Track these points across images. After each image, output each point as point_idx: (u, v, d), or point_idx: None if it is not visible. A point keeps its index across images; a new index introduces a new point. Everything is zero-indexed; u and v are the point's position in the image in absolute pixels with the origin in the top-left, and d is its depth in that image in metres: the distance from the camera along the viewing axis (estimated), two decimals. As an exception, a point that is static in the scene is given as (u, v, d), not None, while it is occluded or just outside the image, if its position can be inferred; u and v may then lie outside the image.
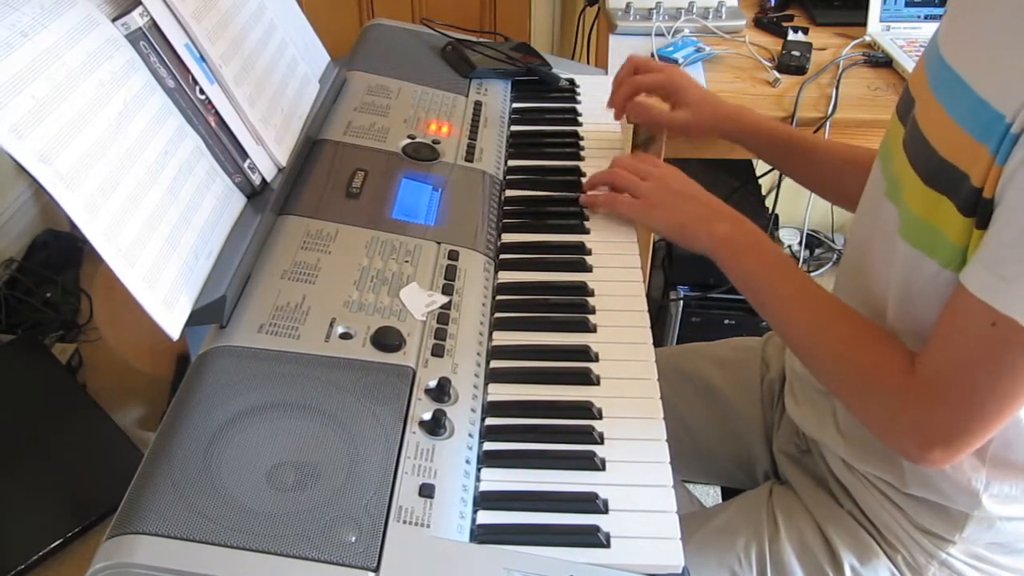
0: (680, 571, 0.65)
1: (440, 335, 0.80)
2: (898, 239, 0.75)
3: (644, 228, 1.01)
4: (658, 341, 0.87)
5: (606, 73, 1.37)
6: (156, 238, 0.74)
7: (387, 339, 0.77)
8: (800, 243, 2.07)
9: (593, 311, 0.87)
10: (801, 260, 2.18)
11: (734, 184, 1.85)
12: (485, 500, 0.69)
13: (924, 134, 0.72)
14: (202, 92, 0.85)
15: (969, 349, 0.66)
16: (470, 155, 1.07)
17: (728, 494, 1.13)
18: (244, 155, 0.89)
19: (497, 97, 1.20)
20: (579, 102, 1.23)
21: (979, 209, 0.65)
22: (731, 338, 1.17)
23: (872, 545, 0.86)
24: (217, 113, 0.87)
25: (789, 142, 1.05)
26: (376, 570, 0.60)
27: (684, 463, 1.07)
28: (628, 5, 1.54)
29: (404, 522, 0.64)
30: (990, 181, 0.64)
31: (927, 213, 0.71)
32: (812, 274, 2.21)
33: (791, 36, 1.53)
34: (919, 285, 0.73)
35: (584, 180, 1.04)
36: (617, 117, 1.13)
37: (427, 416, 0.72)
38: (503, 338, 0.84)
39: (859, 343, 0.76)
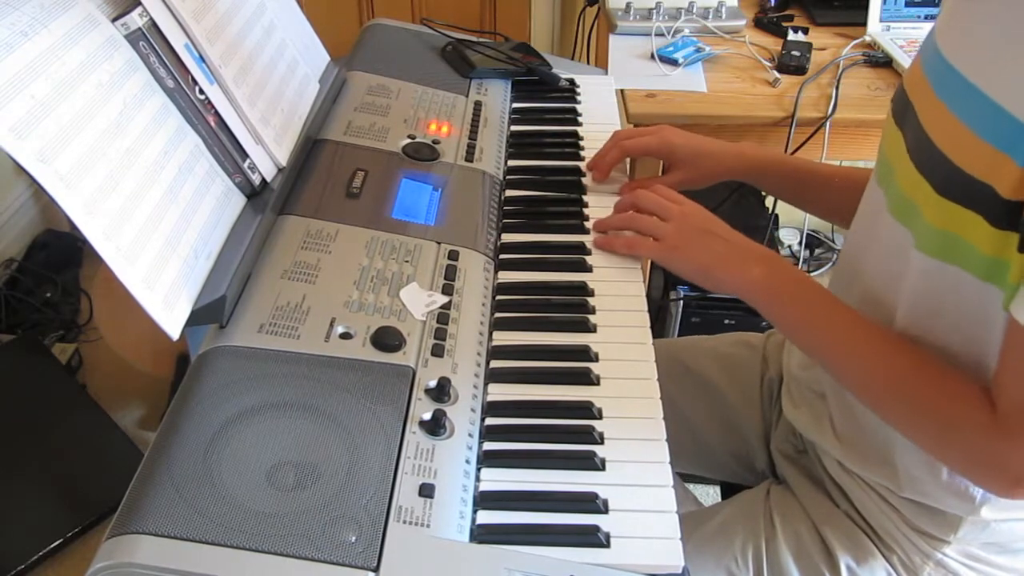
0: (680, 571, 0.65)
1: (440, 335, 0.80)
2: (914, 252, 0.72)
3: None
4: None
5: (606, 73, 1.37)
6: (156, 238, 0.74)
7: (387, 339, 0.77)
8: (800, 243, 2.07)
9: (593, 311, 0.87)
10: (801, 260, 2.19)
11: (733, 185, 1.85)
12: (485, 500, 0.69)
13: (934, 142, 0.70)
14: (202, 92, 0.85)
15: None
16: (470, 155, 1.07)
17: (727, 492, 1.14)
18: (244, 155, 0.89)
19: (497, 97, 1.20)
20: (579, 102, 1.23)
21: (1022, 227, 0.62)
22: (733, 332, 1.15)
23: (868, 545, 0.86)
24: (217, 113, 0.87)
25: (798, 175, 1.01)
26: (376, 570, 0.60)
27: (683, 456, 1.06)
28: (628, 5, 1.54)
29: (404, 522, 0.64)
30: None
31: (945, 223, 0.69)
32: (812, 274, 2.21)
33: (791, 36, 1.53)
34: (942, 295, 0.71)
35: (594, 223, 0.98)
36: (597, 180, 1.06)
37: (427, 416, 0.72)
38: (503, 338, 0.84)
39: (931, 385, 0.72)
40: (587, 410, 0.76)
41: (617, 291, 0.90)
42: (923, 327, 0.74)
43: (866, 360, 0.76)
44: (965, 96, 0.67)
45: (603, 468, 0.72)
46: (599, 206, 1.02)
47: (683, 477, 1.17)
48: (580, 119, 1.19)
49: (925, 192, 0.70)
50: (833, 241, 2.26)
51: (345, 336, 0.78)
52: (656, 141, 1.03)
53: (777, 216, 1.99)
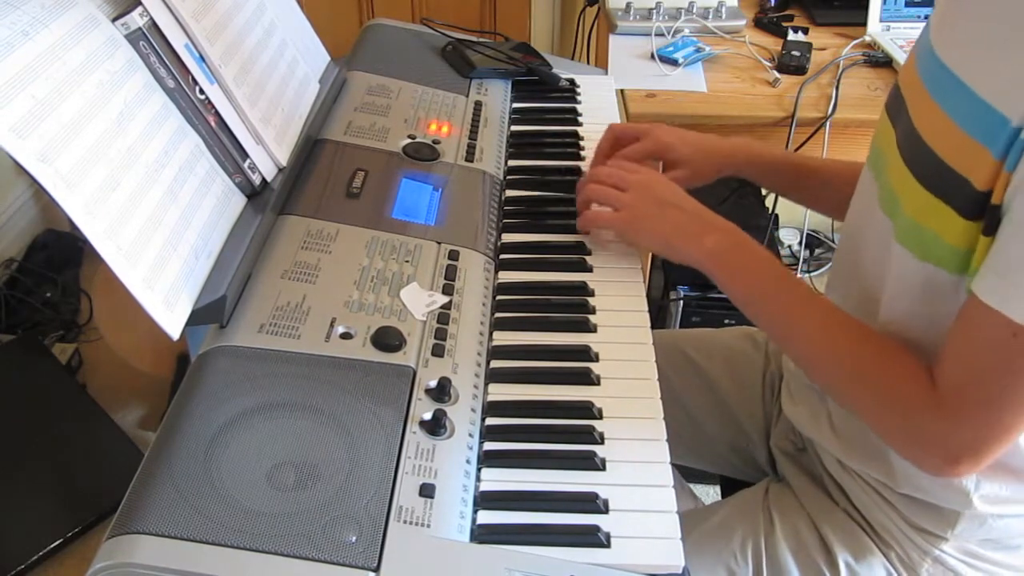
0: (680, 571, 0.65)
1: (440, 335, 0.80)
2: (894, 244, 0.74)
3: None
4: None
5: (606, 73, 1.37)
6: (156, 238, 0.74)
7: (387, 339, 0.77)
8: (800, 243, 2.07)
9: (593, 311, 0.87)
10: (801, 260, 2.19)
11: (733, 184, 1.85)
12: (485, 500, 0.69)
13: (922, 136, 0.71)
14: (202, 92, 0.85)
15: (989, 360, 0.64)
16: (470, 155, 1.07)
17: (727, 489, 1.14)
18: (244, 155, 0.89)
19: (497, 97, 1.20)
20: (579, 102, 1.23)
21: (986, 215, 0.64)
22: (738, 327, 1.15)
23: (867, 542, 0.87)
24: (217, 113, 0.87)
25: (795, 170, 1.02)
26: (376, 570, 0.60)
27: (683, 447, 1.06)
28: (628, 5, 1.54)
29: (404, 522, 0.64)
30: (998, 187, 0.62)
31: (922, 215, 0.70)
32: (812, 274, 2.21)
33: (791, 36, 1.53)
34: (914, 288, 0.73)
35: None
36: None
37: (427, 416, 0.72)
38: (503, 338, 0.84)
39: (873, 359, 0.73)
40: (587, 410, 0.76)
41: (617, 291, 0.90)
42: (902, 318, 0.75)
43: (811, 334, 0.77)
44: (954, 92, 0.68)
45: (603, 468, 0.72)
46: (599, 206, 1.02)
47: (683, 471, 1.17)
48: (580, 119, 1.19)
49: (910, 185, 0.72)
50: (833, 241, 2.26)
51: (345, 336, 0.78)
52: (650, 145, 1.02)
53: (777, 216, 1.99)
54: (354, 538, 0.61)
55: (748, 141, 1.05)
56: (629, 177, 0.91)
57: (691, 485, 1.26)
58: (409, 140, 1.06)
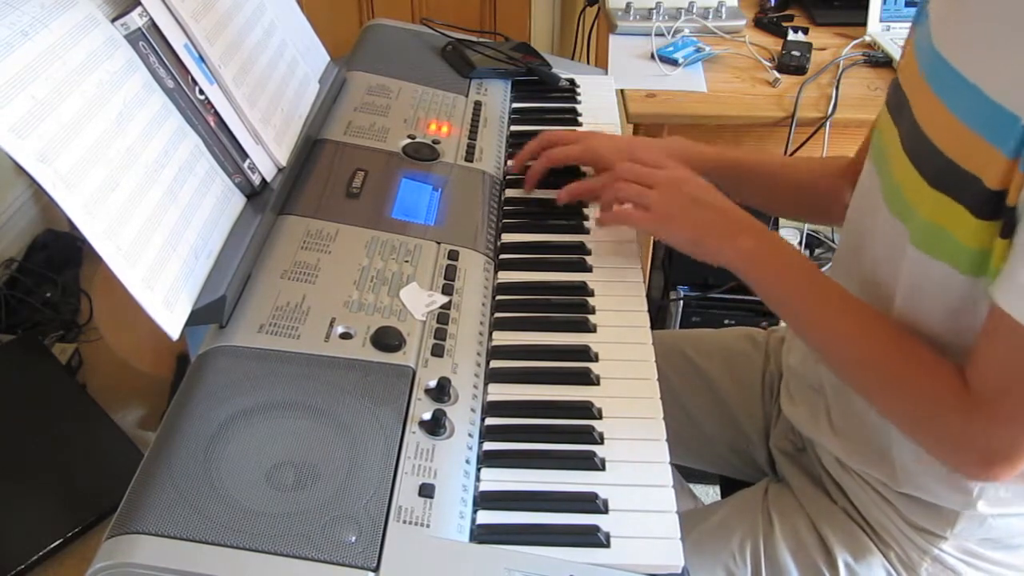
0: (680, 571, 0.65)
1: (440, 335, 0.80)
2: (909, 247, 0.73)
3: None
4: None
5: (606, 73, 1.37)
6: (156, 238, 0.74)
7: (387, 339, 0.77)
8: (800, 243, 2.07)
9: (593, 311, 0.87)
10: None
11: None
12: (485, 500, 0.69)
13: (927, 134, 0.71)
14: (201, 92, 0.85)
15: (1018, 365, 0.64)
16: (470, 155, 1.07)
17: (726, 489, 1.14)
18: (244, 155, 0.89)
19: (497, 97, 1.20)
20: (579, 102, 1.23)
21: (1003, 215, 0.63)
22: (737, 327, 1.15)
23: (866, 542, 0.86)
24: (217, 113, 0.87)
25: (735, 170, 0.99)
26: (376, 570, 0.60)
27: (683, 447, 1.06)
28: (628, 5, 1.54)
29: (404, 522, 0.64)
30: (1013, 187, 0.62)
31: (933, 215, 0.69)
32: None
33: (791, 36, 1.53)
34: (930, 287, 0.72)
35: (573, 185, 0.96)
36: (527, 191, 1.03)
37: (427, 416, 0.72)
38: (503, 338, 0.84)
39: (909, 362, 0.73)
40: (587, 410, 0.76)
41: (617, 291, 0.90)
42: (917, 316, 0.75)
43: (847, 336, 0.77)
44: (959, 90, 0.68)
45: (603, 468, 0.72)
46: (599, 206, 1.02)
47: (682, 471, 1.17)
48: (580, 119, 1.19)
49: (917, 184, 0.71)
50: (833, 241, 2.25)
51: (345, 336, 0.78)
52: (579, 150, 1.00)
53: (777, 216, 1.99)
54: (354, 538, 0.62)
55: (682, 142, 1.01)
56: (657, 174, 0.88)
57: (691, 485, 1.26)
58: (409, 140, 1.06)
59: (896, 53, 1.44)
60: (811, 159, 0.94)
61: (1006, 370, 0.66)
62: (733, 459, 1.09)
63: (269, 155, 0.93)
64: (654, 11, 1.54)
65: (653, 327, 0.86)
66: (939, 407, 0.70)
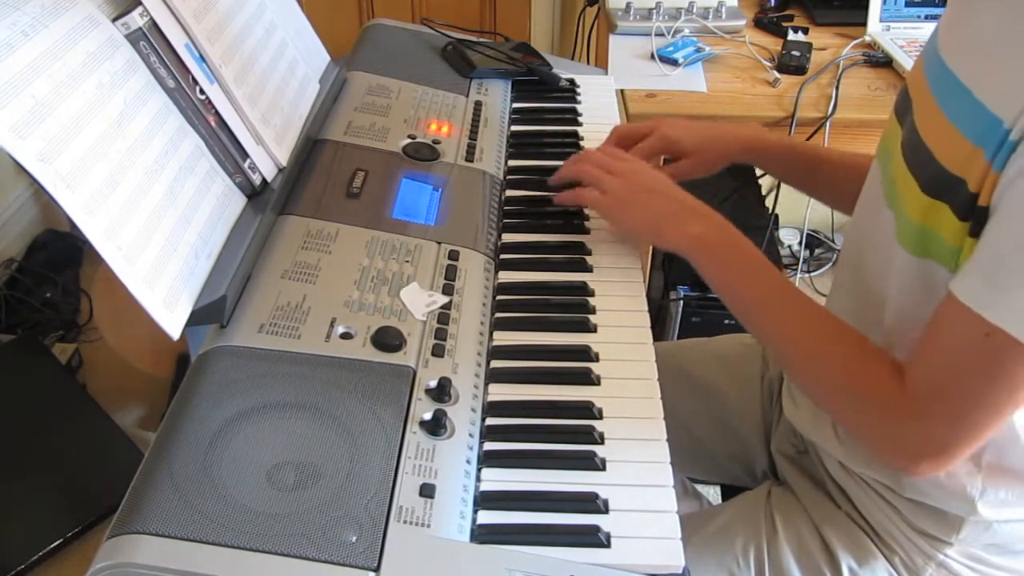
0: (680, 571, 0.65)
1: (440, 335, 0.80)
2: (896, 246, 0.74)
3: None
4: (658, 341, 0.86)
5: (606, 73, 1.37)
6: (156, 238, 0.74)
7: (387, 339, 0.77)
8: (800, 243, 2.07)
9: (593, 311, 0.87)
10: (801, 260, 2.19)
11: (734, 184, 1.85)
12: (485, 500, 0.69)
13: (923, 139, 0.72)
14: (202, 92, 0.85)
15: (960, 360, 0.65)
16: (470, 155, 1.07)
17: (727, 493, 1.14)
18: (244, 155, 0.89)
19: (497, 97, 1.20)
20: (579, 102, 1.23)
21: (974, 215, 0.64)
22: (733, 334, 1.15)
23: (870, 547, 0.86)
24: (217, 113, 0.87)
25: (808, 159, 1.02)
26: (376, 570, 0.60)
27: (683, 460, 1.06)
28: (628, 5, 1.54)
29: (404, 522, 0.64)
30: (986, 188, 0.63)
31: (924, 218, 0.70)
32: (812, 274, 2.21)
33: (791, 36, 1.53)
34: (918, 289, 0.73)
35: (551, 179, 1.00)
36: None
37: (427, 416, 0.72)
38: (503, 338, 0.84)
39: (844, 354, 0.74)
40: (587, 410, 0.76)
41: (617, 291, 0.90)
42: (906, 321, 0.75)
43: (789, 327, 0.78)
44: (955, 96, 0.69)
45: (603, 468, 0.72)
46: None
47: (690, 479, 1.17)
48: (580, 119, 1.19)
49: (911, 189, 0.72)
50: (833, 241, 2.26)
51: (345, 336, 0.78)
52: (656, 141, 1.03)
53: (777, 216, 1.99)
54: (354, 538, 0.61)
55: (758, 128, 1.06)
56: (618, 164, 0.92)
57: (695, 486, 1.26)
58: (409, 140, 1.06)
59: (896, 53, 1.44)
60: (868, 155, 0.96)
61: (942, 364, 0.66)
62: (734, 468, 1.09)
63: (269, 155, 0.93)
64: (654, 11, 1.54)
65: (653, 327, 0.86)
66: (872, 403, 0.71)
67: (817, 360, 0.76)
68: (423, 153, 1.04)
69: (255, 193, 0.90)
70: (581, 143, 1.14)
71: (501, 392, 0.78)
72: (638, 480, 0.71)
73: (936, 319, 0.67)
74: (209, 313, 0.76)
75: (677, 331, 1.78)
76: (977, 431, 0.66)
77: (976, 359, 0.64)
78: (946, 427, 0.67)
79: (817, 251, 2.27)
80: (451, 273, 0.87)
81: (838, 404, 0.76)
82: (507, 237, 0.97)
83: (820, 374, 0.76)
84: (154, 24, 0.81)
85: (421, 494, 0.66)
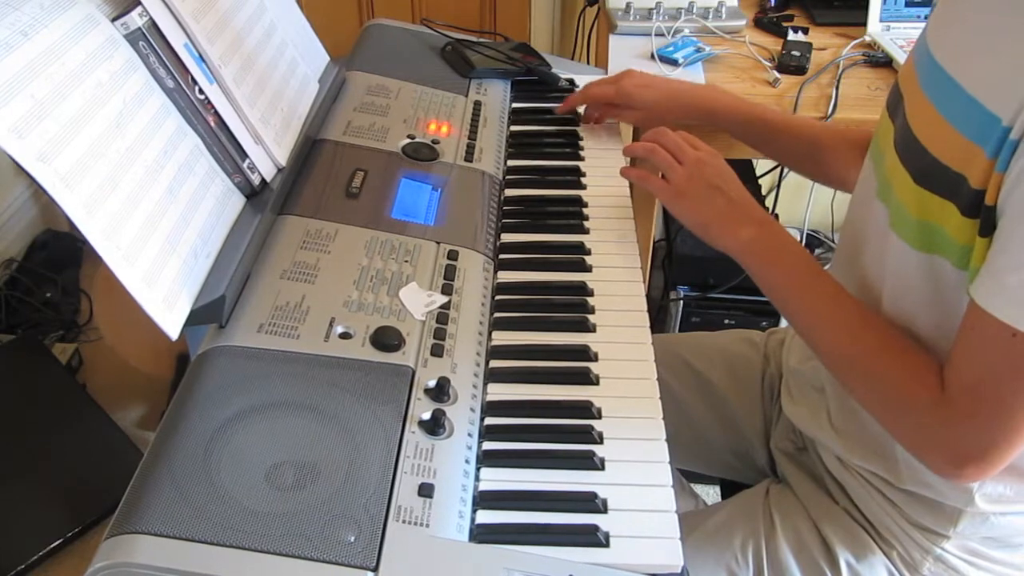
0: (679, 571, 0.65)
1: (439, 335, 0.80)
2: (890, 233, 0.74)
3: (644, 228, 1.00)
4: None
5: (606, 73, 1.37)
6: (155, 238, 0.74)
7: (387, 339, 0.77)
8: (800, 242, 2.07)
9: (593, 311, 0.87)
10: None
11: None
12: (484, 500, 0.69)
13: (914, 132, 0.72)
14: (201, 92, 0.85)
15: (992, 363, 0.64)
16: (470, 155, 1.07)
17: (727, 491, 1.14)
18: (243, 155, 0.89)
19: (497, 97, 1.20)
20: (579, 102, 1.23)
21: (982, 214, 0.64)
22: (735, 330, 1.16)
23: (868, 541, 0.87)
24: (216, 113, 0.87)
25: (764, 124, 1.05)
26: (375, 570, 0.60)
27: (683, 451, 1.07)
28: (628, 5, 1.54)
29: (403, 522, 0.64)
30: (991, 187, 0.63)
31: (921, 212, 0.70)
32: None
33: (791, 36, 1.53)
34: (916, 282, 0.73)
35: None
36: (560, 111, 1.18)
37: (426, 416, 0.72)
38: (503, 338, 0.84)
39: (891, 358, 0.74)
40: (586, 410, 0.76)
41: (617, 291, 0.90)
42: (906, 315, 0.75)
43: (836, 329, 0.78)
44: (945, 90, 0.69)
45: (602, 468, 0.72)
46: (599, 206, 1.02)
47: (682, 473, 1.17)
48: (580, 119, 1.19)
49: (904, 181, 0.72)
50: (833, 241, 2.26)
51: (345, 336, 0.78)
52: (613, 91, 1.10)
53: (777, 216, 1.99)
54: (353, 538, 0.62)
55: (717, 91, 1.10)
56: (688, 154, 0.93)
57: (691, 485, 1.26)
58: (408, 140, 1.06)
59: (896, 53, 1.44)
60: (834, 128, 0.99)
61: (978, 368, 0.66)
62: (734, 462, 1.09)
63: (269, 155, 0.93)
64: (654, 11, 1.54)
65: (653, 327, 0.86)
66: (914, 405, 0.71)
67: (865, 364, 0.75)
68: (422, 153, 1.04)
69: (254, 193, 0.90)
70: (580, 143, 1.14)
71: (500, 392, 0.78)
72: (637, 479, 0.71)
73: (964, 324, 0.67)
74: (208, 313, 0.76)
75: (677, 331, 1.78)
76: (1018, 433, 0.66)
77: (1007, 361, 0.63)
78: (986, 431, 0.66)
79: (817, 251, 2.27)
80: (450, 273, 0.87)
81: (884, 407, 0.75)
82: (506, 237, 0.97)
83: (868, 378, 0.75)
84: (153, 24, 0.82)
85: (420, 494, 0.66)
